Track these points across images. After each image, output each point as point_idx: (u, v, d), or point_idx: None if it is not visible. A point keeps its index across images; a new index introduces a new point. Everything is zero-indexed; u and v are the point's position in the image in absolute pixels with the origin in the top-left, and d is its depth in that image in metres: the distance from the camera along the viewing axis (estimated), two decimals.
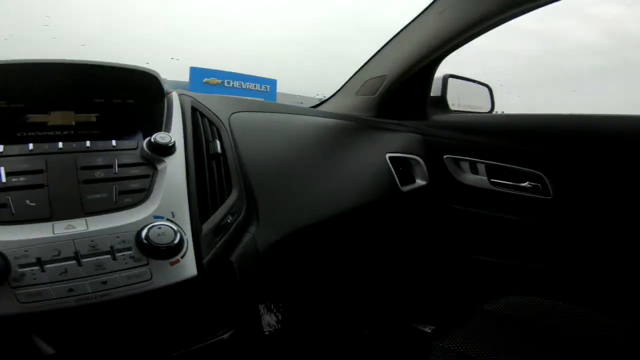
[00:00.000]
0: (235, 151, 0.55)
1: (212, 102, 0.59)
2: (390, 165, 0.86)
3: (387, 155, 0.86)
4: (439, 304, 1.04)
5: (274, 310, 0.92)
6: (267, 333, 0.88)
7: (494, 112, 1.17)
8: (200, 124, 0.52)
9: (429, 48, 0.93)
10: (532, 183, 0.86)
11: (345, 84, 1.14)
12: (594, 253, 0.82)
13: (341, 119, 0.89)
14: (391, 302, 1.07)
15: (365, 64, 1.08)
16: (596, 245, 0.82)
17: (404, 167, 0.93)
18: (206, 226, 0.42)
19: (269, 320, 0.90)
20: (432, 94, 1.11)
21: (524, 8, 0.79)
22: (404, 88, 1.02)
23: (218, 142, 0.50)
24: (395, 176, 0.85)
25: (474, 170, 0.95)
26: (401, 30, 0.98)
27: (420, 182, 0.95)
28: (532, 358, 0.55)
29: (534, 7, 0.79)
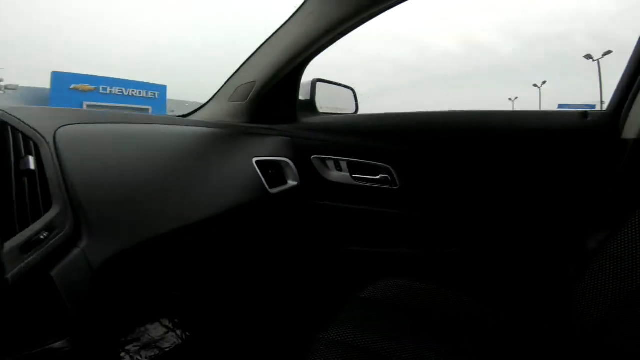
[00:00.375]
0: (59, 166, 0.51)
1: (34, 115, 0.54)
2: (258, 169, 0.88)
3: (254, 159, 0.89)
4: (321, 297, 1.11)
5: (172, 327, 0.90)
6: (167, 350, 0.86)
7: (358, 113, 1.30)
8: (10, 139, 0.47)
9: (294, 53, 0.99)
10: (383, 175, 0.99)
11: (219, 90, 1.13)
12: (435, 234, 0.99)
13: (207, 127, 0.89)
14: (278, 302, 1.10)
15: (238, 70, 1.09)
16: (435, 227, 0.99)
17: (275, 170, 0.97)
18: (10, 243, 0.41)
19: (169, 336, 0.89)
20: (302, 98, 1.18)
21: (379, 8, 0.90)
22: (273, 93, 1.06)
23: (31, 158, 0.46)
24: (263, 179, 0.88)
25: (339, 168, 1.05)
26: (270, 37, 1.02)
27: (291, 182, 1.01)
28: (406, 338, 0.60)
29: (387, 7, 0.90)
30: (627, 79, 0.82)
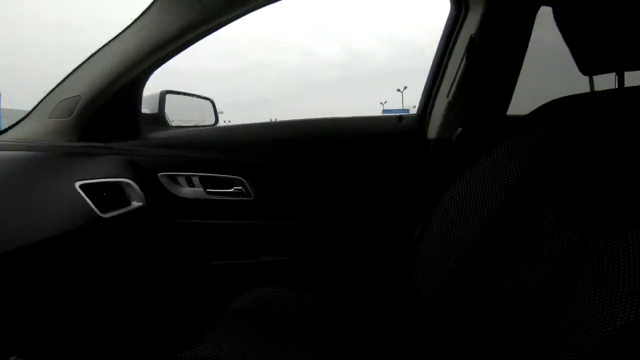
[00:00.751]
0: None
1: None
2: (83, 194, 0.78)
3: (78, 183, 0.78)
4: (186, 316, 1.04)
5: None
6: None
7: (218, 124, 1.27)
8: None
9: (131, 63, 0.90)
10: (237, 188, 0.99)
11: (37, 105, 0.96)
12: (293, 240, 1.03)
13: (19, 149, 0.75)
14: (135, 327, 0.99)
15: (60, 83, 0.94)
16: (292, 233, 1.02)
17: (111, 192, 0.87)
18: None
19: None
20: (149, 111, 1.09)
21: (229, 16, 0.88)
22: (107, 107, 0.95)
23: None
24: (91, 204, 0.78)
25: (191, 184, 1.00)
26: (101, 48, 0.91)
27: (135, 204, 0.91)
28: (278, 345, 0.60)
29: (228, 20, 0.89)
30: (429, 86, 1.00)
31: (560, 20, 0.59)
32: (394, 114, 1.01)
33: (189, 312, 1.05)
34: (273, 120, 1.55)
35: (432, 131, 0.95)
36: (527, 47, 0.89)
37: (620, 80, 0.57)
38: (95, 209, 0.79)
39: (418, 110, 1.00)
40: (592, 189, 0.52)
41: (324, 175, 1.00)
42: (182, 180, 1.00)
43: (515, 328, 0.49)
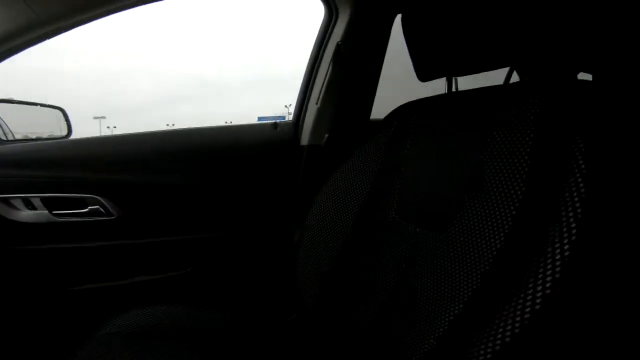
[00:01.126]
0: None
1: None
2: None
3: None
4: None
5: None
6: None
7: (71, 136, 1.10)
8: None
9: None
10: (93, 207, 0.86)
11: None
12: (169, 257, 0.94)
13: None
14: None
15: None
16: (168, 250, 0.94)
17: None
18: None
19: None
20: None
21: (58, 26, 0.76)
22: None
23: None
24: None
25: (30, 206, 0.84)
26: None
27: None
28: None
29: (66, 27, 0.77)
30: (302, 94, 1.02)
31: (405, 29, 0.66)
32: (268, 122, 1.00)
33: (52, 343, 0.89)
34: (170, 125, 1.42)
35: (305, 137, 0.97)
36: (385, 53, 0.97)
37: (450, 85, 0.66)
38: None
39: (293, 117, 1.02)
40: (425, 187, 0.59)
41: (199, 187, 0.95)
42: (18, 202, 0.83)
43: (386, 320, 0.52)
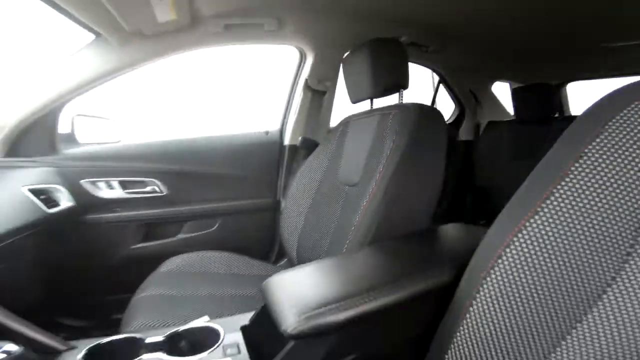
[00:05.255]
0: None
1: None
2: (31, 195, 1.02)
3: (25, 188, 1.02)
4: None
5: None
6: None
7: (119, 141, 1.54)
8: None
9: (53, 98, 1.15)
10: (151, 187, 1.33)
11: None
12: (201, 220, 1.42)
13: None
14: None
15: None
16: (199, 216, 1.42)
17: (46, 195, 1.11)
18: None
19: None
20: (62, 131, 1.32)
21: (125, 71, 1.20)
22: (32, 129, 1.17)
23: None
24: (39, 202, 1.03)
25: (110, 187, 1.29)
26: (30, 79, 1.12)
27: (66, 203, 1.16)
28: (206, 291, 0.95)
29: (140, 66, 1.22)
30: (285, 108, 1.54)
31: (343, 66, 1.13)
32: (262, 130, 1.52)
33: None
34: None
35: (286, 139, 1.50)
36: (336, 83, 1.50)
37: (371, 103, 1.09)
38: (43, 206, 1.04)
39: (279, 127, 1.54)
40: (351, 165, 1.12)
41: (217, 174, 1.44)
42: (101, 184, 1.28)
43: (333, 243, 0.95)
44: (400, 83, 1.04)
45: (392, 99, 1.08)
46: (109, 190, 1.29)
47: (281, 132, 1.53)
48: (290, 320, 0.48)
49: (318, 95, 1.47)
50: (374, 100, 1.09)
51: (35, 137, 1.19)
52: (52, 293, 1.16)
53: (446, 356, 0.52)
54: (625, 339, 0.38)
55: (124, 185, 1.31)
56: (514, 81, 2.27)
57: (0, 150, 1.13)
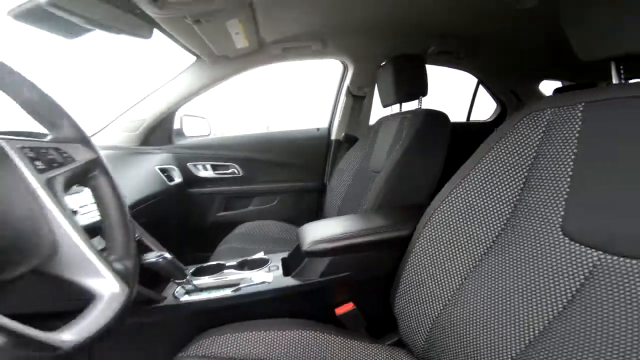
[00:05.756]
0: None
1: None
2: (160, 172, 1.55)
3: (156, 167, 1.55)
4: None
5: None
6: None
7: (211, 135, 2.07)
8: None
9: (176, 101, 1.68)
10: (232, 170, 1.81)
11: (109, 124, 1.69)
12: (263, 196, 1.87)
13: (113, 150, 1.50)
14: None
15: (125, 111, 1.68)
16: (263, 193, 1.87)
17: (166, 173, 1.64)
18: None
19: None
20: (176, 127, 1.86)
21: (231, 77, 1.69)
22: (158, 126, 1.72)
23: None
24: (164, 177, 1.55)
25: (206, 169, 1.80)
26: (156, 89, 1.66)
27: (177, 180, 1.69)
28: None
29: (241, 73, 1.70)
30: (331, 113, 1.90)
31: (377, 77, 1.47)
32: (314, 127, 1.90)
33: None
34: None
35: (333, 135, 1.86)
36: (373, 90, 1.82)
37: (400, 107, 1.45)
38: (166, 180, 1.56)
39: (327, 125, 1.91)
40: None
41: (279, 162, 1.87)
42: (200, 166, 1.80)
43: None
44: (418, 91, 1.32)
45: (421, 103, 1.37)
46: (204, 171, 1.80)
47: (329, 129, 1.89)
48: (306, 244, 0.85)
49: (358, 100, 1.80)
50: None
51: (160, 132, 1.74)
52: (163, 240, 1.70)
53: (398, 289, 0.77)
54: (516, 272, 0.55)
55: (214, 167, 1.80)
56: (566, 80, 2.29)
57: (139, 140, 1.69)
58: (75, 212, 0.54)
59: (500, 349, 0.56)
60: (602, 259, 0.48)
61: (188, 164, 1.77)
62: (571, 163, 0.55)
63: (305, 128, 1.92)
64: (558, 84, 2.33)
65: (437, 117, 1.21)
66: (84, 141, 0.60)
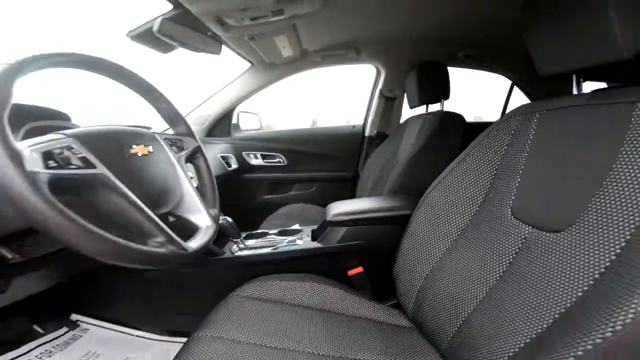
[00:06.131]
0: None
1: None
2: (221, 159, 1.90)
3: (219, 155, 1.90)
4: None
5: None
6: None
7: (261, 129, 2.40)
8: None
9: (235, 100, 2.03)
10: (279, 159, 2.12)
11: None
12: (305, 183, 2.16)
13: None
14: None
15: (194, 109, 2.06)
16: (305, 180, 2.15)
17: (226, 160, 1.98)
18: None
19: None
20: (234, 122, 2.21)
21: (284, 78, 2.00)
22: (220, 120, 2.08)
23: None
24: (224, 163, 1.90)
25: (257, 158, 2.13)
26: (218, 91, 2.02)
27: (234, 166, 2.03)
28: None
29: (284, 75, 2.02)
30: (366, 112, 2.13)
31: (405, 80, 1.68)
32: (351, 124, 2.14)
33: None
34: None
35: (366, 131, 2.08)
36: (403, 93, 2.00)
37: (427, 108, 1.64)
38: (225, 165, 1.91)
39: (362, 122, 2.13)
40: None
41: (318, 154, 2.14)
42: (252, 155, 2.13)
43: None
44: (440, 95, 1.50)
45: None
46: (255, 159, 2.13)
47: (363, 126, 2.12)
48: (329, 216, 1.11)
49: (389, 101, 2.01)
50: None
51: (221, 125, 2.09)
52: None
53: (397, 257, 0.92)
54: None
55: (263, 157, 2.13)
56: (601, 81, 2.25)
57: (205, 132, 2.05)
58: (192, 178, 0.84)
59: (461, 307, 0.69)
60: (531, 232, 0.61)
61: (243, 153, 2.11)
62: (524, 159, 0.69)
63: (342, 125, 2.16)
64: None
65: (452, 118, 1.39)
66: (192, 135, 0.91)
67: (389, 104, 2.03)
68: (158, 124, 1.53)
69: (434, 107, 1.57)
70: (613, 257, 0.44)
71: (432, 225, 0.85)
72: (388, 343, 0.76)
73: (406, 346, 0.76)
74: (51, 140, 0.52)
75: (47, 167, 0.47)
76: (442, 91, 1.49)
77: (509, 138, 0.75)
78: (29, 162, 0.44)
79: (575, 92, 0.68)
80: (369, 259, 1.12)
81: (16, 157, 0.42)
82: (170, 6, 1.15)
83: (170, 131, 0.88)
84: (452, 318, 0.71)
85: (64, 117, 0.91)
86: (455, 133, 1.38)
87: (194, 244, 0.65)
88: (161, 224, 0.58)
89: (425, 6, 1.38)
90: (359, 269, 1.12)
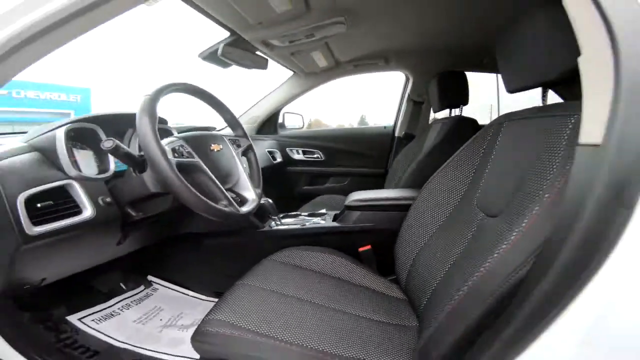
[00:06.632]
0: None
1: None
2: (268, 154, 2.23)
3: (266, 150, 2.24)
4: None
5: None
6: None
7: (304, 128, 2.70)
8: None
9: (278, 105, 2.36)
10: (317, 155, 2.42)
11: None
12: (338, 176, 2.43)
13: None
14: None
15: (247, 111, 2.43)
16: (340, 175, 2.43)
17: (272, 155, 2.32)
18: None
19: None
20: (280, 121, 2.54)
21: (325, 83, 2.31)
22: (268, 120, 2.42)
23: None
24: (270, 157, 2.24)
25: (298, 153, 2.45)
26: (267, 95, 2.37)
27: (279, 159, 2.36)
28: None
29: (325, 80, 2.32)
30: (396, 116, 2.34)
31: (428, 88, 1.87)
32: (382, 125, 2.37)
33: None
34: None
35: (396, 132, 2.29)
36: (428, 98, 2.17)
37: (450, 112, 1.83)
38: (271, 160, 2.25)
39: (393, 123, 2.35)
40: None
41: (354, 152, 2.39)
42: (294, 151, 2.45)
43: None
44: (459, 101, 1.67)
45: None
46: (297, 155, 2.45)
47: (394, 127, 2.34)
48: (347, 201, 1.38)
49: (417, 105, 2.20)
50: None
51: (268, 124, 2.43)
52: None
53: (398, 238, 1.05)
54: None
55: (304, 152, 2.44)
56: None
57: (255, 130, 2.41)
58: (245, 167, 1.16)
59: (432, 278, 0.82)
60: (482, 218, 0.75)
61: (287, 148, 2.43)
62: (490, 161, 0.83)
63: (374, 125, 2.40)
64: None
65: (466, 122, 1.57)
66: (246, 137, 1.23)
67: (416, 107, 2.22)
68: (216, 123, 1.90)
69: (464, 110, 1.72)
70: (512, 238, 0.56)
71: (424, 213, 1.00)
72: (379, 307, 0.93)
73: (392, 311, 0.92)
74: (172, 141, 0.92)
75: (174, 156, 0.85)
76: (460, 98, 1.66)
77: (485, 143, 0.88)
78: (168, 154, 0.81)
79: (541, 103, 0.77)
80: (377, 239, 1.35)
81: (163, 152, 0.79)
82: (227, 34, 1.50)
83: (231, 132, 1.24)
84: (425, 287, 0.84)
85: (163, 121, 1.29)
86: (465, 136, 1.55)
87: (244, 208, 1.00)
88: (226, 193, 0.93)
89: (448, 19, 1.55)
90: (368, 247, 1.35)
